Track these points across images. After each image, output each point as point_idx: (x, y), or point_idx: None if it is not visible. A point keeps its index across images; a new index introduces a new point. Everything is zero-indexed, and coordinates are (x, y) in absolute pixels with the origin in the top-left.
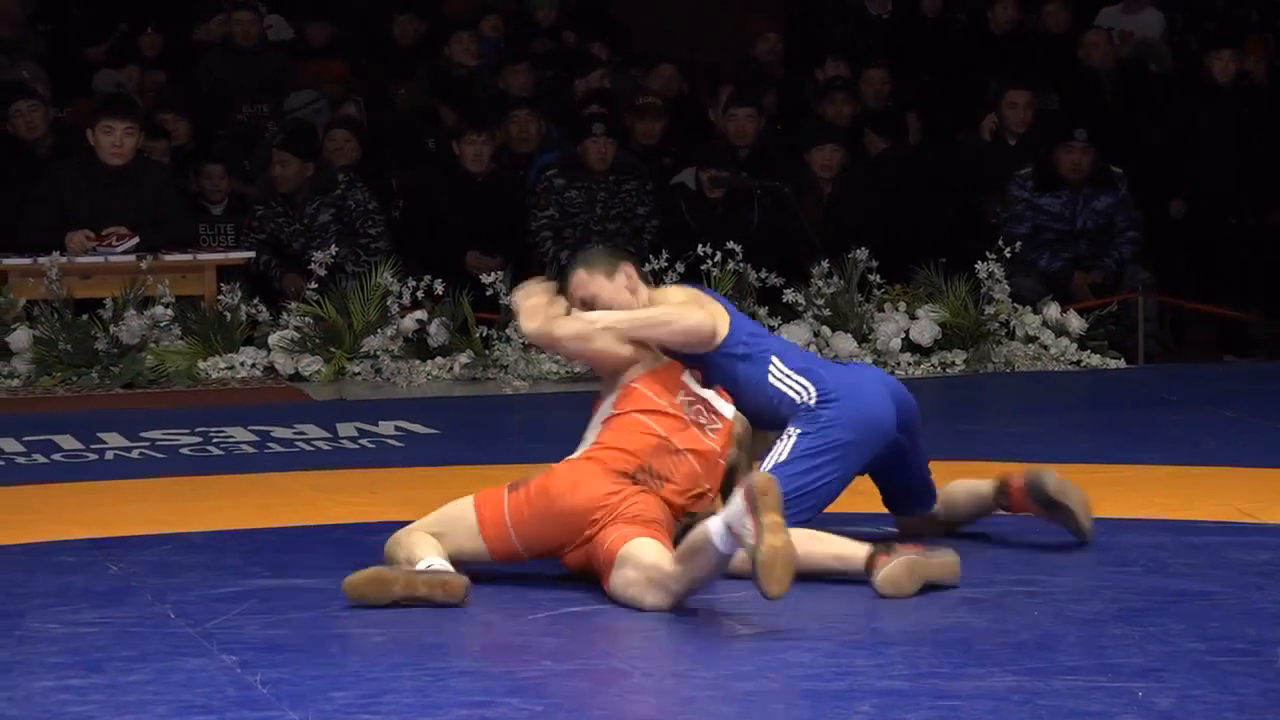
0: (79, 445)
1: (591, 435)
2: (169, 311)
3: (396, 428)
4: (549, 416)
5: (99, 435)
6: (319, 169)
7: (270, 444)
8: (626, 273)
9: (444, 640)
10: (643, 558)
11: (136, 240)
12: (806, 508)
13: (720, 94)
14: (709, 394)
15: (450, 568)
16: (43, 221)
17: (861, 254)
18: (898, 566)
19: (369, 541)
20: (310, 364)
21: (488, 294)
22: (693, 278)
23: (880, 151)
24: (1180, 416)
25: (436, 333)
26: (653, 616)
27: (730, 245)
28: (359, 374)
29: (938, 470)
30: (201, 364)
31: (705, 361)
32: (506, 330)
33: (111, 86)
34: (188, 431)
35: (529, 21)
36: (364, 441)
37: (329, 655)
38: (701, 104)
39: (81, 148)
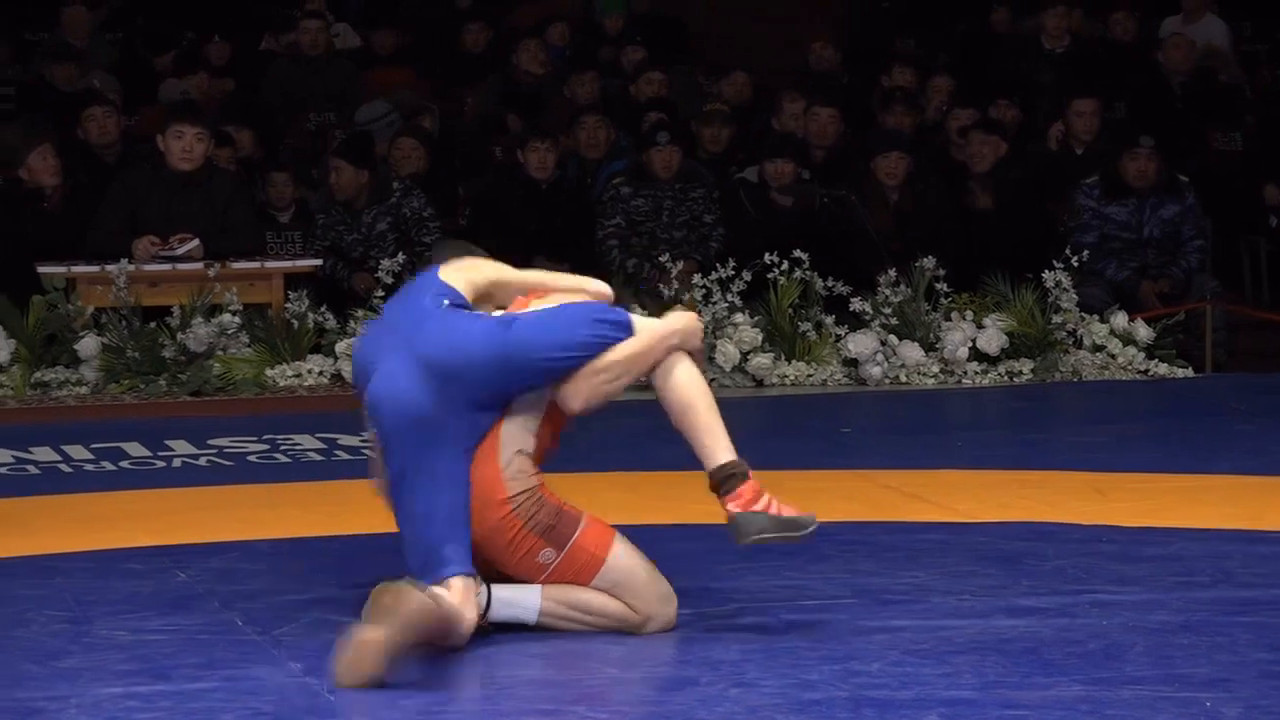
0: (146, 453)
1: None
2: (236, 319)
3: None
4: (613, 422)
5: (166, 443)
6: (375, 177)
7: (337, 452)
8: None
9: (509, 649)
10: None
11: (197, 242)
12: None
13: (780, 100)
14: None
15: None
16: (112, 228)
17: (929, 263)
18: None
19: None
20: None
21: None
22: (759, 285)
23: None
24: (1248, 426)
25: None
26: (717, 626)
27: (797, 254)
28: None
29: (1002, 481)
30: (269, 372)
31: None
32: None
33: (177, 95)
34: (255, 439)
35: (596, 30)
36: None
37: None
38: (764, 111)
39: (151, 155)
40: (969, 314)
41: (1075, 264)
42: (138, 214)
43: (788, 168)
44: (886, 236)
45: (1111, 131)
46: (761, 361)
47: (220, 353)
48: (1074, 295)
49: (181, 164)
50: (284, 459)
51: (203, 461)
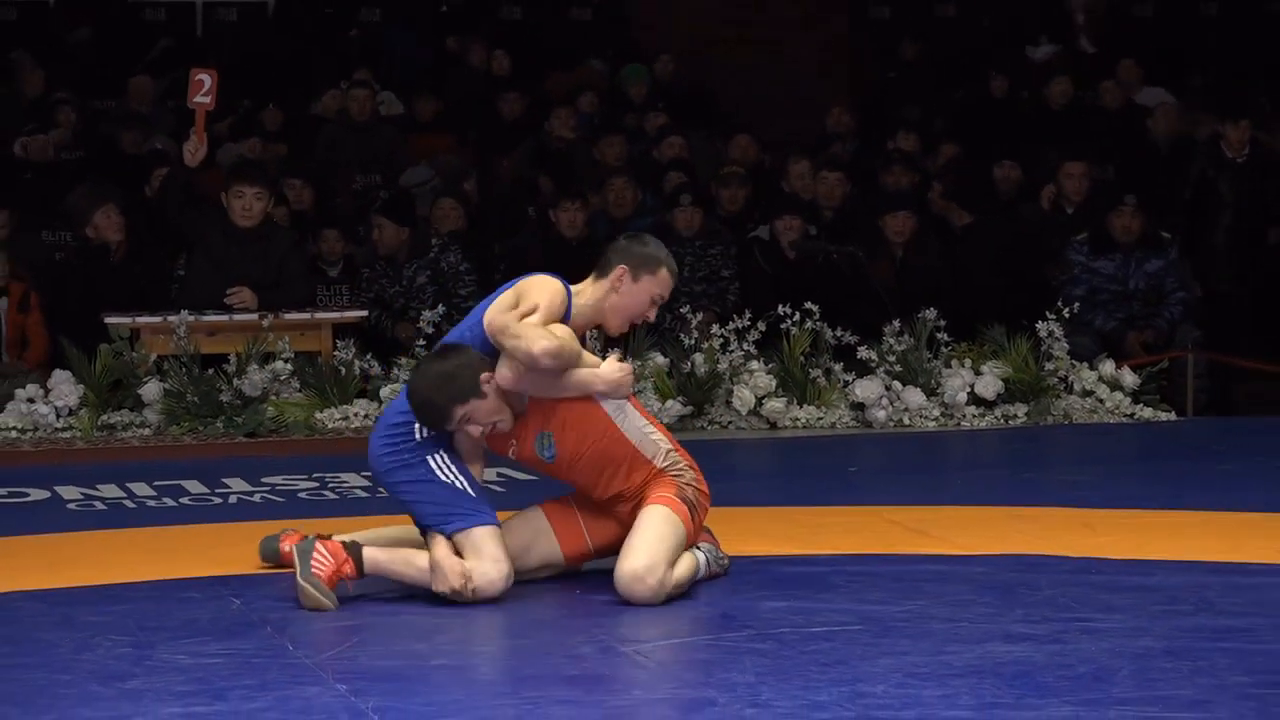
0: (205, 490)
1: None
2: (288, 366)
3: (498, 473)
4: None
5: (223, 480)
6: (415, 233)
7: (381, 489)
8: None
9: (541, 672)
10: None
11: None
12: None
13: (790, 164)
14: None
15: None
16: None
17: (930, 314)
18: None
19: None
20: None
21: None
22: (773, 335)
23: (966, 224)
24: (1227, 466)
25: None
26: (733, 650)
27: (808, 305)
28: None
29: (998, 516)
30: (318, 415)
31: None
32: None
33: (234, 159)
34: (305, 477)
35: (623, 98)
36: None
37: (435, 685)
38: (775, 173)
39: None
40: (967, 361)
41: (1066, 315)
42: (195, 260)
43: (795, 223)
44: (891, 289)
45: (1100, 192)
46: (775, 406)
47: (273, 397)
48: (1065, 344)
49: (242, 221)
50: (332, 496)
51: (257, 498)
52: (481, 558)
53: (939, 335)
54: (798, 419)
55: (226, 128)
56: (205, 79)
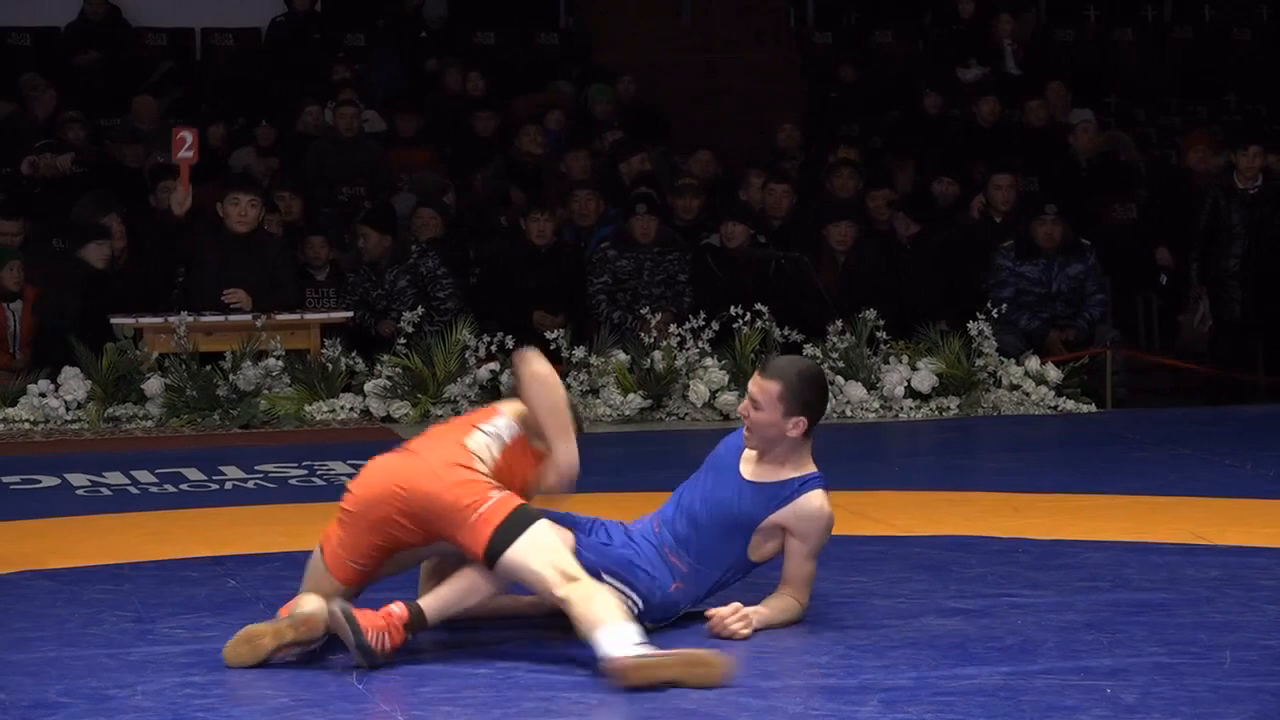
0: (203, 477)
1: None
2: (280, 363)
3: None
4: (600, 451)
5: (220, 468)
6: (397, 241)
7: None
8: None
9: (511, 648)
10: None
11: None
12: None
13: (746, 176)
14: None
15: (314, 607)
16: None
17: (870, 315)
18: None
19: None
20: (400, 408)
21: (551, 348)
22: (725, 334)
23: (914, 233)
24: (1143, 454)
25: (507, 381)
26: (691, 628)
27: (758, 306)
28: (441, 416)
29: (933, 500)
30: (307, 408)
31: None
32: (566, 380)
33: (240, 166)
34: (295, 465)
35: (588, 116)
36: None
37: (415, 656)
38: (730, 185)
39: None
40: (904, 358)
41: (995, 315)
42: (195, 266)
43: (738, 229)
44: (835, 292)
45: (1025, 202)
46: (727, 399)
47: (266, 391)
48: (994, 342)
49: (238, 227)
50: (320, 482)
51: (251, 484)
52: None
53: (878, 334)
54: None
55: (222, 143)
56: (187, 136)
